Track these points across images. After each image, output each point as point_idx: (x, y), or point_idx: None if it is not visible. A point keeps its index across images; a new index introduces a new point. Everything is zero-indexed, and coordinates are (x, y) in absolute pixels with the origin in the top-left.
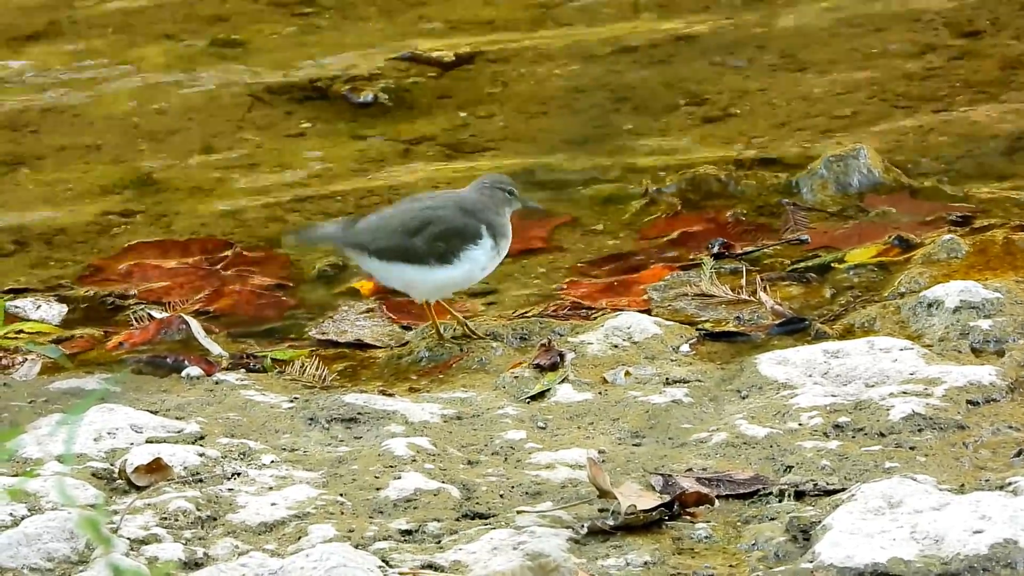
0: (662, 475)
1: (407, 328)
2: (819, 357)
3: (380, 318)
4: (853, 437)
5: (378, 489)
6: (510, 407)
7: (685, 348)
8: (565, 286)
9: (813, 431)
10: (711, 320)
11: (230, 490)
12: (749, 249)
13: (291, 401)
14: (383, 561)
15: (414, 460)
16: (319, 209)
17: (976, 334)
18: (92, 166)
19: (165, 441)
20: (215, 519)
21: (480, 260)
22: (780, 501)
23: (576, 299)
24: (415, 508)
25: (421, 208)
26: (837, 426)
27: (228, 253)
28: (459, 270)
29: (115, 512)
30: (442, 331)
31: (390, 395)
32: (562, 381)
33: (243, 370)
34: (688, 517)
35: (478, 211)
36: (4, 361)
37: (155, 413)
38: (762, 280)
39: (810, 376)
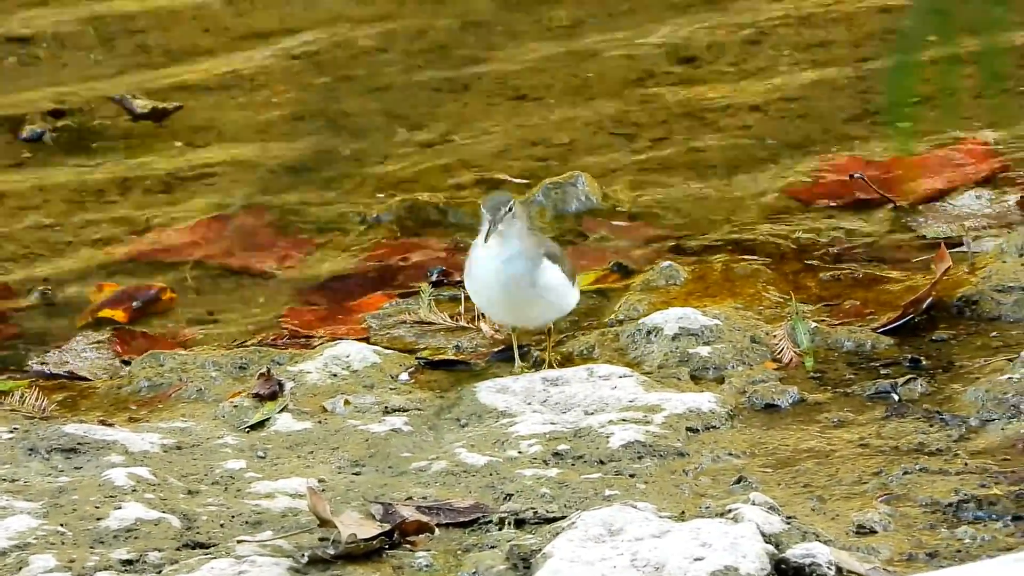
0: (382, 504)
1: (126, 363)
2: (538, 385)
3: (107, 350)
4: (573, 465)
5: (99, 519)
6: (229, 437)
7: (404, 377)
8: (285, 314)
9: (533, 459)
10: (430, 348)
11: None
12: None
13: (11, 432)
14: None
15: (134, 490)
16: (38, 238)
17: (695, 361)
18: None
19: None
20: None
21: None
22: (500, 529)
23: (296, 327)
24: (136, 538)
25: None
26: (557, 454)
27: None
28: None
29: None
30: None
31: (110, 425)
32: (281, 410)
33: None
34: (408, 546)
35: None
36: None
37: None
38: None
39: (529, 404)
